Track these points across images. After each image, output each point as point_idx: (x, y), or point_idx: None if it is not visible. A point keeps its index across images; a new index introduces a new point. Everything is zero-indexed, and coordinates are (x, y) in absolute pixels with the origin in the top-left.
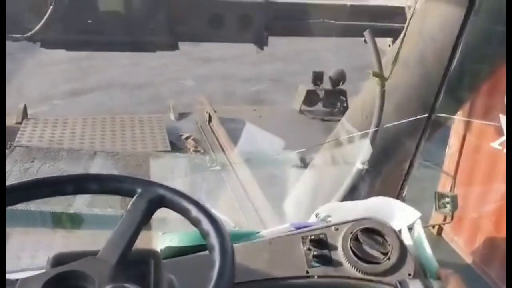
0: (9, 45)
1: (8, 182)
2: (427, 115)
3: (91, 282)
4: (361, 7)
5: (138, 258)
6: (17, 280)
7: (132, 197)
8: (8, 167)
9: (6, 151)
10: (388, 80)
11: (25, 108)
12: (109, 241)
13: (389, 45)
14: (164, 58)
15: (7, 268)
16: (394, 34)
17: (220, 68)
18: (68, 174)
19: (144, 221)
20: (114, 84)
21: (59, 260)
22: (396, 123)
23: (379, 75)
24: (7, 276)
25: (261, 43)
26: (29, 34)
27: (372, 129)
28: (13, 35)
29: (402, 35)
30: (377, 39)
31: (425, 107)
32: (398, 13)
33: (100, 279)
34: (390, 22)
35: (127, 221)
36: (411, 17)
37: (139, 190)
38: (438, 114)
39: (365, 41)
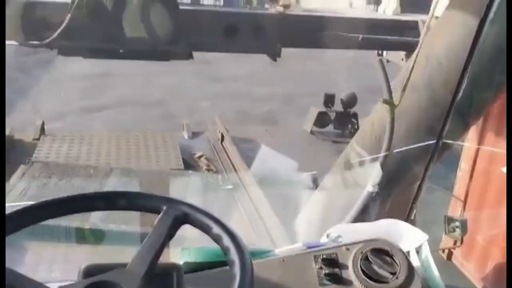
0: (26, 60)
1: (26, 197)
2: (435, 141)
3: None
4: (374, 21)
5: (162, 272)
6: None
7: (158, 213)
8: (26, 182)
9: (25, 166)
10: (397, 107)
11: (42, 125)
12: (138, 254)
13: (402, 59)
14: (177, 76)
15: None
16: (407, 48)
17: (232, 88)
18: (99, 191)
19: (169, 236)
20: (127, 101)
21: (90, 271)
22: (405, 148)
23: (389, 102)
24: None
25: (274, 54)
26: (47, 40)
27: (382, 154)
28: (32, 42)
29: (412, 63)
30: (391, 53)
31: (434, 131)
32: (411, 27)
33: None
34: (403, 36)
35: (154, 236)
36: (419, 48)
37: (164, 208)
38: (445, 141)
39: (378, 54)
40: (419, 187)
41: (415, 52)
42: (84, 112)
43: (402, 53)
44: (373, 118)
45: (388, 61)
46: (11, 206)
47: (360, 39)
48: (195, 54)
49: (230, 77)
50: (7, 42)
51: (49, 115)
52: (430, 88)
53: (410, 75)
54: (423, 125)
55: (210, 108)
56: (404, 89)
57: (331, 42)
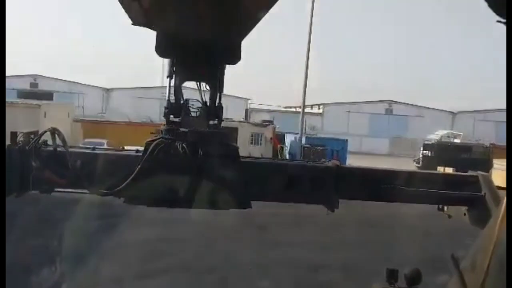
0: (88, 226)
1: None
2: None
3: None
4: (433, 175)
5: None
6: None
7: None
8: None
9: None
10: None
11: None
12: None
13: (464, 214)
14: (234, 242)
15: None
16: (468, 202)
17: (288, 253)
18: None
19: None
20: (184, 267)
21: None
22: None
23: None
24: None
25: (331, 205)
26: (116, 190)
27: None
28: (102, 191)
29: (480, 243)
30: (451, 207)
31: None
32: (472, 182)
33: None
34: (463, 191)
35: None
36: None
37: None
38: None
39: (438, 209)
40: None
41: (481, 238)
42: (141, 277)
43: (463, 208)
44: None
45: (450, 216)
46: None
47: (419, 193)
48: (253, 216)
49: (286, 242)
50: (79, 191)
51: (106, 280)
52: (503, 274)
53: (486, 276)
54: None
55: (265, 276)
56: (483, 284)
57: (389, 195)
